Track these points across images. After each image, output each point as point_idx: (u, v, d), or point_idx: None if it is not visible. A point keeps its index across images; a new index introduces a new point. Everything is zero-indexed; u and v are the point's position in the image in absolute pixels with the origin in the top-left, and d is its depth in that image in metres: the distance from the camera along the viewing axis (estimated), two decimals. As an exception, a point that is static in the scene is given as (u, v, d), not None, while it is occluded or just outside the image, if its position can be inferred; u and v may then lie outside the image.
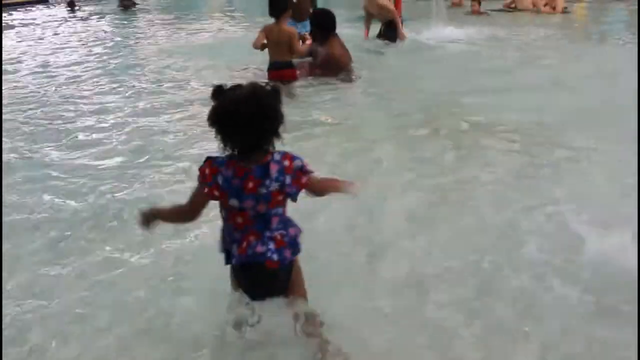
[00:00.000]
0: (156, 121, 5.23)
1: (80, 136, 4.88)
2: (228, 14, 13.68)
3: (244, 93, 1.92)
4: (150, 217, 2.14)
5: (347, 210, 3.17)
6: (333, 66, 6.38)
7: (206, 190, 1.98)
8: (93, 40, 9.86)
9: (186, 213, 2.10)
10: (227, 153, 1.96)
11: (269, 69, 5.89)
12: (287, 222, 2.06)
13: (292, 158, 1.99)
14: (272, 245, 1.99)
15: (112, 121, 5.24)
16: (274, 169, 1.95)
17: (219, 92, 1.94)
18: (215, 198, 1.99)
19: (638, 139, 3.99)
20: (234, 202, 1.97)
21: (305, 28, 7.21)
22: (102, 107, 5.69)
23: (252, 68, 6.69)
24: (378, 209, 3.34)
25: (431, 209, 3.38)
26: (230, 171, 1.96)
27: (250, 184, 1.95)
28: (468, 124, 4.93)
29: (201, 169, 2.00)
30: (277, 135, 1.96)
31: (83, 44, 9.51)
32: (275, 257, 1.99)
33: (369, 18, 8.83)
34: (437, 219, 3.25)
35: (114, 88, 6.51)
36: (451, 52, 8.27)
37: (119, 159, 4.34)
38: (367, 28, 8.89)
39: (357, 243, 2.99)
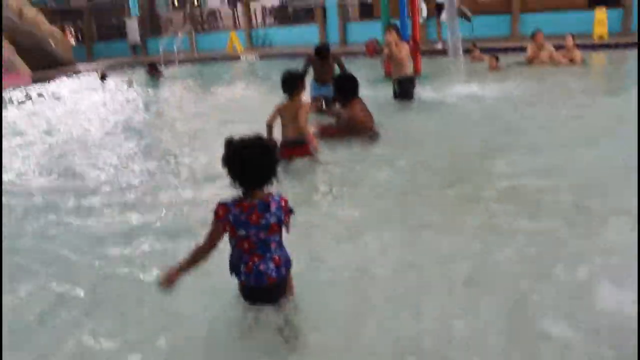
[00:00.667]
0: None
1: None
2: (252, 81, 14.11)
3: (249, 142, 2.57)
4: (173, 276, 2.61)
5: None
6: (355, 129, 6.48)
7: (222, 226, 2.58)
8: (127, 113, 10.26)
9: (206, 248, 2.64)
10: (237, 190, 2.59)
11: (282, 146, 5.40)
12: (282, 247, 2.72)
13: (286, 201, 2.68)
14: (272, 265, 2.63)
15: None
16: (273, 206, 2.60)
17: (229, 141, 2.59)
18: (226, 231, 2.60)
19: (638, 145, 3.93)
20: (241, 232, 2.60)
21: (328, 90, 7.37)
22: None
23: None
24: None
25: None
26: (238, 210, 2.58)
27: (254, 217, 2.58)
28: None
29: (215, 211, 2.60)
30: (275, 175, 2.60)
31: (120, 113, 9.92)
32: (274, 274, 2.64)
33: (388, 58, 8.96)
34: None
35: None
36: (480, 111, 8.11)
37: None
38: (388, 61, 8.96)
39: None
